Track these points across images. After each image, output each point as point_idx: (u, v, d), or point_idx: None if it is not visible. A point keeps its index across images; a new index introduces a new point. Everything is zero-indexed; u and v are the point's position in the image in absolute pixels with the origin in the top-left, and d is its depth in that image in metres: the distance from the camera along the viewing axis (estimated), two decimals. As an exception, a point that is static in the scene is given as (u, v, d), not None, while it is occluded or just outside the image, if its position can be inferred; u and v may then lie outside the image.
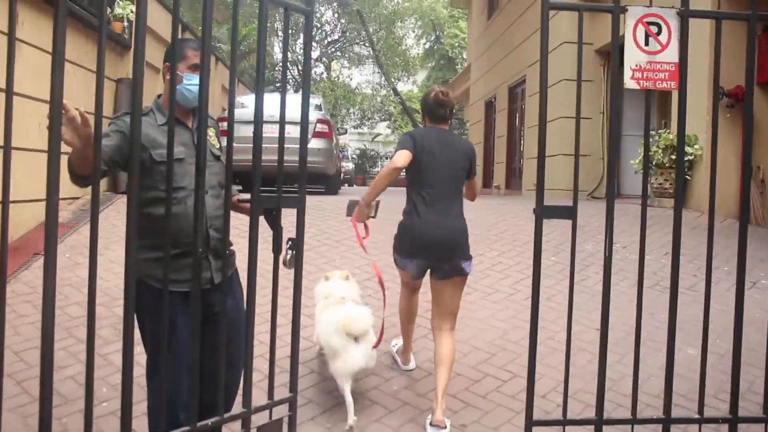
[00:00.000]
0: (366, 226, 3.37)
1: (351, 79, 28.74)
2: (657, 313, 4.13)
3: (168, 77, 2.34)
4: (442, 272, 3.15)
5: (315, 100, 10.20)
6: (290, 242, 2.40)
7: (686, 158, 7.01)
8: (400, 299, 3.47)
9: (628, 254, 5.46)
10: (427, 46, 31.68)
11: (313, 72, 27.64)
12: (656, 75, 2.31)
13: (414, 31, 29.05)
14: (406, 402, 3.31)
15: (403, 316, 3.46)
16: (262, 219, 2.24)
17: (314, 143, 8.56)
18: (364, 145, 33.71)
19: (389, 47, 26.32)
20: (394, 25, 26.35)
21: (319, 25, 27.10)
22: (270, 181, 2.29)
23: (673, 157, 7.05)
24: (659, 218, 6.53)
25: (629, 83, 2.28)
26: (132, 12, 6.23)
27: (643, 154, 2.43)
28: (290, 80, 28.08)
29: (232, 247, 2.53)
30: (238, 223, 2.70)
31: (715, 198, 2.39)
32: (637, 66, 2.30)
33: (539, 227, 2.29)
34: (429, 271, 3.22)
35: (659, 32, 2.31)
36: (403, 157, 3.09)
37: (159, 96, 2.52)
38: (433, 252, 3.11)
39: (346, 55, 28.36)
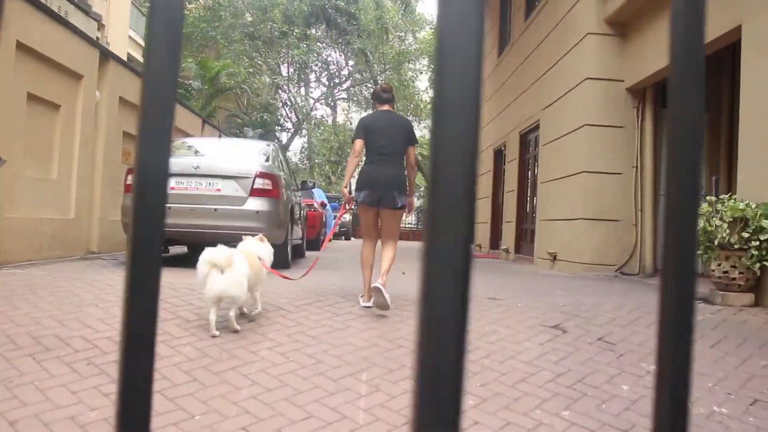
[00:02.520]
0: (345, 209, 5.31)
1: (351, 123, 27.03)
2: None
3: None
4: (384, 203, 4.69)
5: (263, 146, 7.79)
6: None
7: None
8: (361, 252, 4.80)
9: (740, 415, 3.26)
10: (441, 90, 29.94)
11: (315, 113, 26.13)
12: None
13: (423, 73, 27.36)
14: None
15: (363, 264, 4.75)
16: None
17: (251, 204, 6.53)
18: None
19: (396, 90, 24.65)
20: (401, 66, 24.63)
21: (324, 66, 25.54)
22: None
23: (745, 234, 4.92)
24: (728, 326, 4.39)
25: None
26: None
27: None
28: (285, 122, 26.22)
29: None
30: None
31: None
32: None
33: None
34: (377, 211, 4.79)
35: None
36: (358, 146, 4.79)
37: None
38: (378, 186, 4.66)
39: (354, 98, 26.74)
